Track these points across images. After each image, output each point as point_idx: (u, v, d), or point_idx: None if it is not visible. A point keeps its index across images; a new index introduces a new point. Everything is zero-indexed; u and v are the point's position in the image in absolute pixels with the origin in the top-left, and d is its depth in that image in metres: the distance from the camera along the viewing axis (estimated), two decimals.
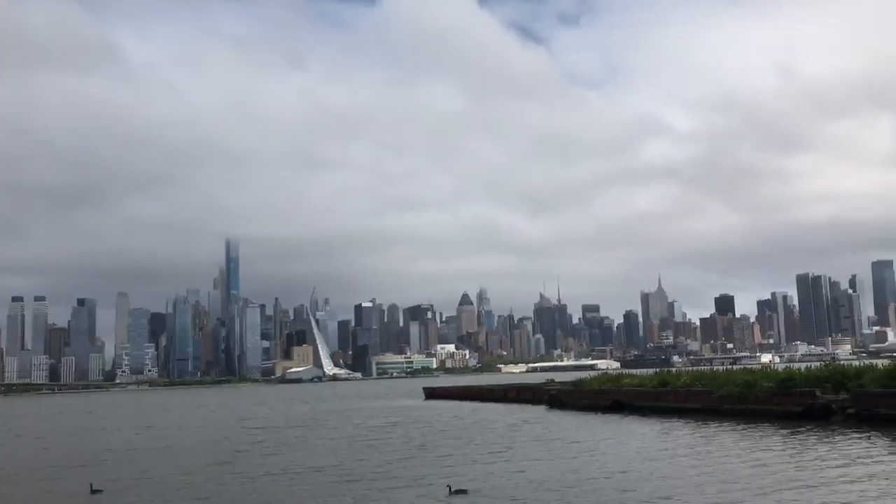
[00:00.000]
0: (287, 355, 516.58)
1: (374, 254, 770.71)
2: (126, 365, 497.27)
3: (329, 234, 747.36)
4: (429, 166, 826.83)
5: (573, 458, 29.56)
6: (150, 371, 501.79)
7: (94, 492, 24.83)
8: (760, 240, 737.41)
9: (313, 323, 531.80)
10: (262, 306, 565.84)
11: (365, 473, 26.78)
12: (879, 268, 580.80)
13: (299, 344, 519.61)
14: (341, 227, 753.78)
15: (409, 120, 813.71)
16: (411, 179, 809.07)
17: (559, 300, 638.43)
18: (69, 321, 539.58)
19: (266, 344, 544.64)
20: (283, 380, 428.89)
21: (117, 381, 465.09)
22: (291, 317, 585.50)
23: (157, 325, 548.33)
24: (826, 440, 31.09)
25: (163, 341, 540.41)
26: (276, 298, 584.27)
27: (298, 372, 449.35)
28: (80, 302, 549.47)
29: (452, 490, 21.64)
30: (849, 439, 30.95)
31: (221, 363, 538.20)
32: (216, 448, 40.36)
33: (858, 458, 25.82)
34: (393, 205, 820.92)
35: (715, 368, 67.12)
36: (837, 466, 23.92)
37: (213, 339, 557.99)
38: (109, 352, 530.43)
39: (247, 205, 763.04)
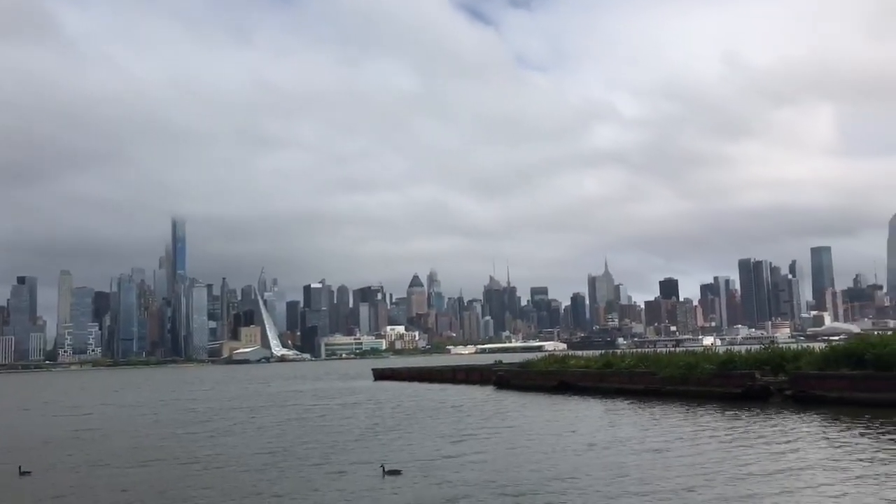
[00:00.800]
0: (234, 336, 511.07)
1: (323, 234, 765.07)
2: (68, 345, 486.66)
3: (277, 214, 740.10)
4: (379, 147, 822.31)
5: (514, 438, 29.90)
6: (93, 351, 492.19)
7: (22, 474, 24.48)
8: (705, 225, 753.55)
9: (261, 303, 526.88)
10: (210, 286, 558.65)
11: (307, 456, 26.53)
12: (818, 254, 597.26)
13: (247, 324, 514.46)
14: (289, 207, 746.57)
15: (358, 99, 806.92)
16: (361, 160, 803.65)
17: (508, 283, 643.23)
18: (8, 300, 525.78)
19: (213, 324, 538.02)
20: (231, 360, 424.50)
21: (59, 361, 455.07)
22: (239, 297, 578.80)
23: (101, 304, 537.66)
24: (763, 421, 32.06)
25: (107, 321, 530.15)
26: (224, 278, 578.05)
27: (246, 353, 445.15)
28: (21, 280, 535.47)
29: (386, 471, 21.67)
30: (785, 419, 31.97)
31: (167, 343, 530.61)
32: (156, 430, 39.89)
33: (793, 437, 26.74)
34: (342, 185, 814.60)
35: (658, 351, 68.62)
36: (772, 445, 24.73)
37: (159, 319, 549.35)
38: (51, 331, 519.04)
39: (193, 183, 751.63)
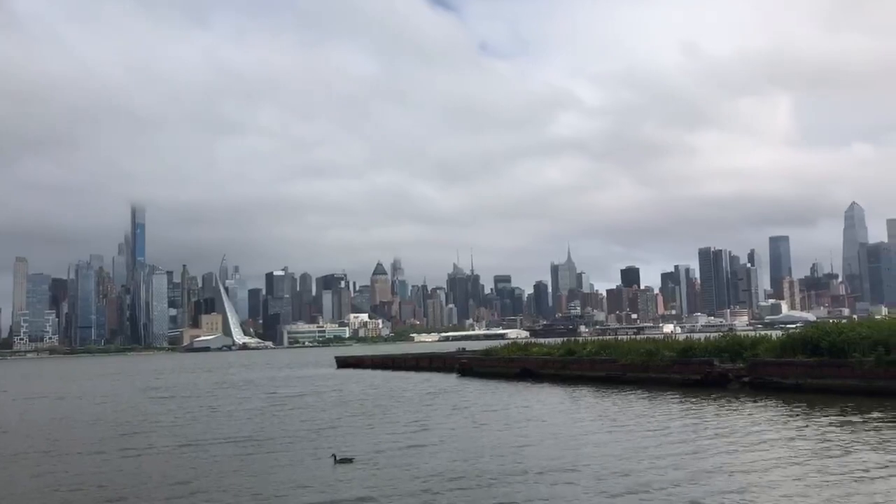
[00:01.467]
0: (195, 323, 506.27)
1: (284, 221, 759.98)
2: (25, 332, 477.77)
3: (238, 200, 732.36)
4: (340, 133, 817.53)
5: (472, 426, 29.93)
6: (50, 339, 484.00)
7: None
8: (665, 214, 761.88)
9: (222, 291, 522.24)
10: (170, 273, 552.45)
11: (265, 445, 26.08)
12: (776, 243, 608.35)
13: (208, 312, 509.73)
14: (250, 193, 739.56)
15: (318, 84, 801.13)
16: (322, 146, 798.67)
17: (472, 271, 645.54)
18: None
19: (173, 312, 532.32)
20: (191, 348, 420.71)
21: (15, 349, 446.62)
22: (200, 284, 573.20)
23: (59, 291, 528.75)
24: (720, 406, 32.54)
25: (64, 308, 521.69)
26: (184, 265, 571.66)
27: (207, 340, 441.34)
28: None
29: (337, 459, 21.53)
30: (742, 405, 32.50)
31: (126, 331, 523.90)
32: (113, 419, 39.29)
33: (748, 421, 27.19)
34: (303, 171, 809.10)
35: (620, 338, 69.23)
36: (727, 429, 25.12)
37: (118, 307, 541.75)
38: (6, 319, 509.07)
39: (151, 169, 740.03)
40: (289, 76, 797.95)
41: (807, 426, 25.50)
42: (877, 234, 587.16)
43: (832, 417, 27.18)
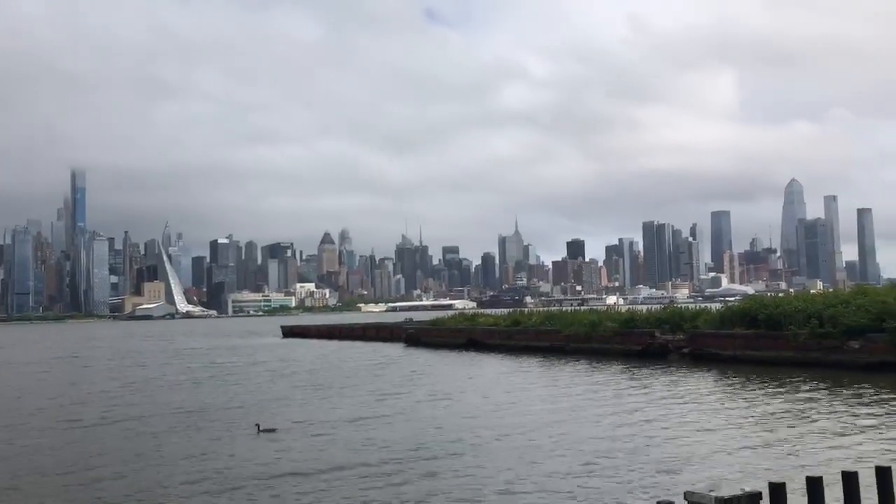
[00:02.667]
0: (137, 291, 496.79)
1: (228, 188, 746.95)
2: None
3: (179, 166, 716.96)
4: (284, 98, 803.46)
5: (408, 393, 30.22)
6: None
7: None
8: (611, 187, 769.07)
9: (165, 258, 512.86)
10: (111, 239, 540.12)
11: (193, 419, 25.02)
12: (717, 217, 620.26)
13: (150, 280, 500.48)
14: (192, 159, 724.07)
15: (261, 47, 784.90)
16: (265, 111, 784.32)
17: (421, 241, 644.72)
18: None
19: (115, 279, 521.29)
20: (133, 316, 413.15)
21: None
22: (142, 251, 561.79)
23: None
24: (658, 376, 33.35)
25: (0, 274, 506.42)
26: (126, 232, 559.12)
27: (149, 308, 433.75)
28: None
29: (261, 429, 21.55)
30: (680, 374, 33.35)
31: (66, 298, 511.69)
32: (40, 390, 38.58)
33: (683, 390, 27.96)
34: (246, 137, 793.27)
35: (564, 309, 70.17)
36: (664, 397, 25.80)
37: (57, 273, 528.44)
38: None
39: (90, 131, 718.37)
40: (231, 39, 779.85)
41: (737, 394, 26.33)
42: (815, 210, 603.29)
43: (764, 386, 28.07)
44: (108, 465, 17.86)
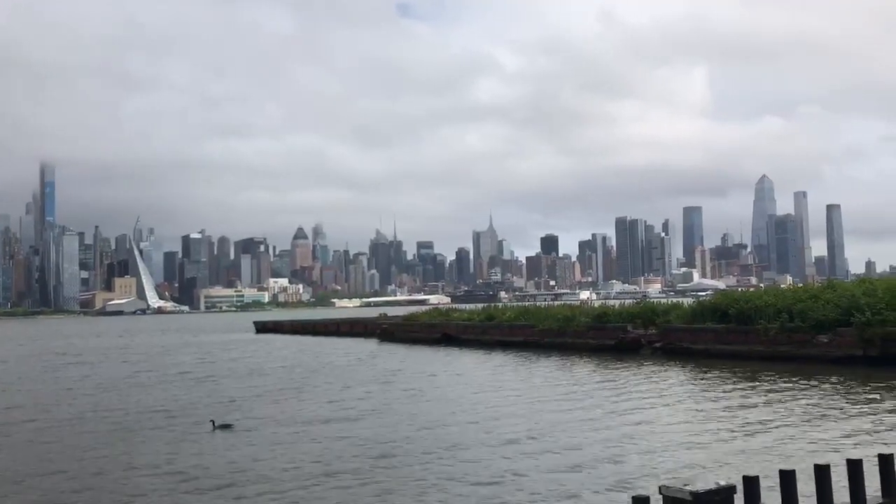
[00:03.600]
0: (108, 286, 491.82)
1: (199, 182, 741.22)
2: None
3: (149, 159, 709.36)
4: (255, 91, 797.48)
5: (375, 389, 30.08)
6: None
7: None
8: (584, 182, 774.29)
9: (136, 253, 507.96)
10: (81, 234, 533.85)
11: (155, 416, 24.27)
12: (689, 213, 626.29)
13: (121, 275, 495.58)
14: (162, 152, 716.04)
15: (231, 39, 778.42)
16: (235, 104, 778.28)
17: (395, 236, 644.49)
18: None
19: (85, 274, 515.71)
20: (104, 312, 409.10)
21: None
22: (113, 246, 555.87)
23: None
24: (631, 369, 33.58)
25: None
26: (97, 227, 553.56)
27: (120, 304, 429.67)
28: None
29: (216, 425, 20.97)
30: (651, 368, 33.61)
31: (35, 294, 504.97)
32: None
33: (655, 383, 28.18)
34: (216, 130, 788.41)
35: (538, 304, 70.46)
36: (636, 390, 25.99)
37: (26, 269, 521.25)
38: None
39: (58, 124, 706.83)
40: (200, 31, 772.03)
41: (709, 388, 26.60)
42: (785, 206, 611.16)
43: (735, 381, 28.37)
44: (31, 473, 16.59)
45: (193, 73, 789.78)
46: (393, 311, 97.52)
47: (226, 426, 21.05)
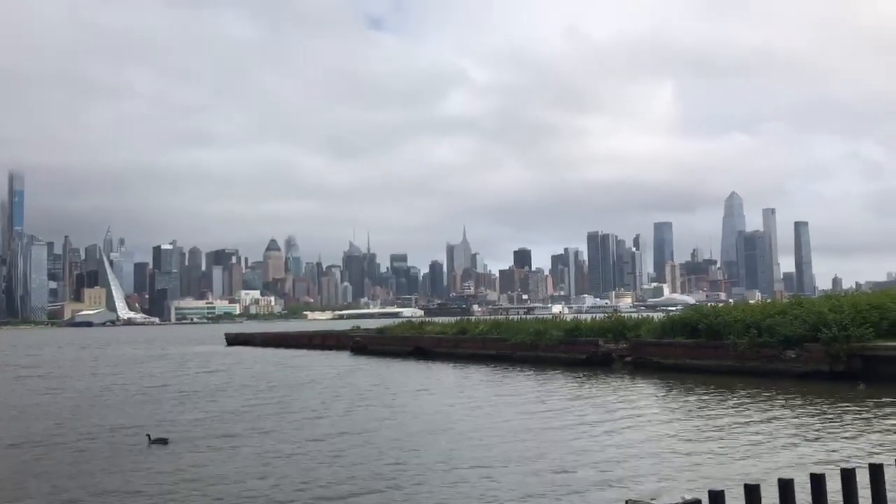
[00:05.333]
0: (77, 297, 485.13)
1: (168, 191, 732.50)
2: None
3: (115, 168, 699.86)
4: (221, 99, 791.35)
5: (344, 404, 29.96)
6: None
7: None
8: (555, 196, 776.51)
9: (107, 264, 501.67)
10: (51, 244, 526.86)
11: (101, 433, 23.45)
12: (660, 228, 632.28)
13: (91, 286, 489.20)
14: (127, 161, 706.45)
15: (197, 46, 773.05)
16: (202, 112, 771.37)
17: (368, 249, 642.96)
18: None
19: (53, 285, 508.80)
20: (73, 323, 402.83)
21: None
22: (83, 256, 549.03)
23: None
24: (602, 383, 33.78)
25: None
26: (66, 236, 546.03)
27: (90, 315, 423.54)
28: None
29: (152, 439, 20.62)
30: (622, 382, 33.84)
31: (2, 304, 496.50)
32: None
33: (625, 397, 28.39)
34: (183, 139, 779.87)
35: (511, 318, 70.62)
36: (606, 403, 26.15)
37: None
38: None
39: (24, 131, 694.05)
40: (163, 37, 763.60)
41: (678, 402, 26.85)
42: (753, 221, 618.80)
43: (704, 395, 28.65)
44: None
45: (158, 80, 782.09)
46: (366, 324, 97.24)
47: (161, 440, 20.68)
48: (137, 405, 31.13)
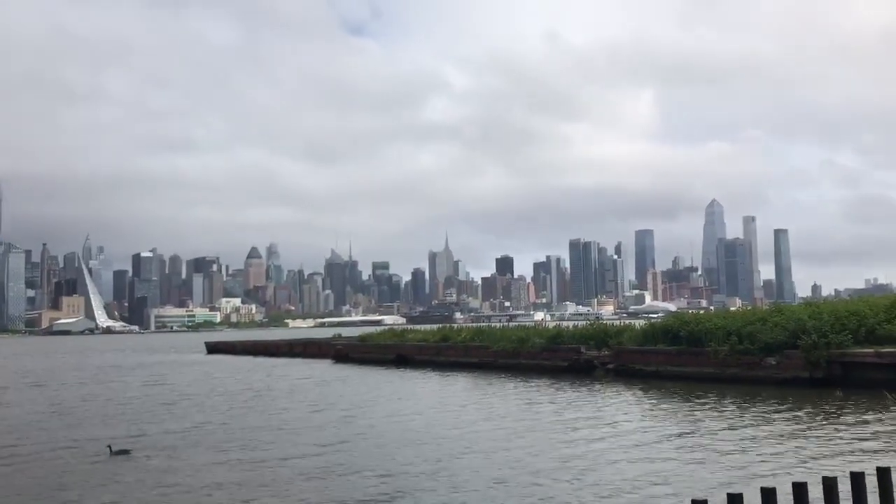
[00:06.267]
0: (55, 305, 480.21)
1: (147, 198, 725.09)
2: None
3: (92, 174, 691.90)
4: (198, 104, 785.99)
5: (312, 410, 29.83)
6: None
7: None
8: (537, 203, 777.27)
9: (85, 272, 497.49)
10: (28, 252, 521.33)
11: (62, 444, 22.93)
12: (641, 236, 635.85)
13: (69, 294, 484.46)
14: (104, 167, 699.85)
15: (173, 50, 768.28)
16: (178, 117, 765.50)
17: (350, 256, 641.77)
18: None
19: (31, 293, 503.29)
20: (51, 331, 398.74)
21: None
22: (61, 264, 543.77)
23: None
24: (583, 391, 33.78)
25: None
26: (44, 244, 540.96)
27: (68, 323, 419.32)
28: None
29: (113, 451, 20.32)
30: (604, 389, 33.85)
31: None
32: None
33: (606, 404, 28.39)
34: (160, 144, 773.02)
35: (493, 325, 70.56)
36: (587, 410, 26.14)
37: None
38: None
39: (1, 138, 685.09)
40: (139, 42, 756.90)
41: (660, 409, 26.86)
42: (734, 229, 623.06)
43: (685, 402, 28.70)
44: None
45: (134, 85, 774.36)
46: (347, 332, 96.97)
47: (123, 452, 20.42)
48: (106, 416, 30.47)
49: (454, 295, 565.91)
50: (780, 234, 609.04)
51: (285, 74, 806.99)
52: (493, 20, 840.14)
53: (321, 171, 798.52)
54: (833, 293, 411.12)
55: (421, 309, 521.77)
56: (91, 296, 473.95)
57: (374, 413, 28.72)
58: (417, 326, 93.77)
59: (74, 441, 23.51)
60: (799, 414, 24.57)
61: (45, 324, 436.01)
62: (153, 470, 18.40)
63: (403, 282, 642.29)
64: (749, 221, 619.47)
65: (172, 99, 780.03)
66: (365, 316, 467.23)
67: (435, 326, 74.32)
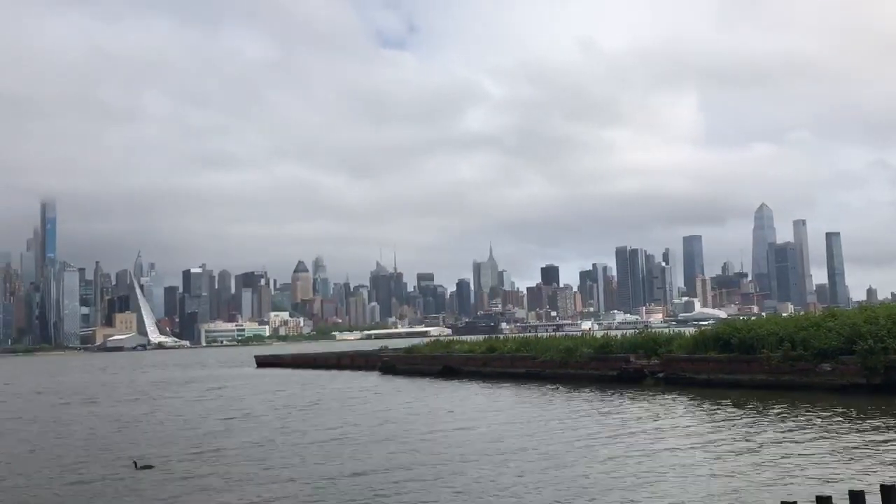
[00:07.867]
0: (109, 322, 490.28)
1: (193, 215, 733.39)
2: None
3: (136, 192, 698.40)
4: (235, 121, 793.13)
5: (367, 424, 29.92)
6: None
7: None
8: (580, 211, 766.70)
9: (137, 288, 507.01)
10: (82, 270, 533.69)
11: (108, 460, 23.22)
12: (689, 242, 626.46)
13: (122, 310, 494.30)
14: (149, 186, 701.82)
15: (209, 67, 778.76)
16: (217, 134, 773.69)
17: (395, 268, 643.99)
18: None
19: (86, 310, 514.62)
20: (105, 348, 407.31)
21: None
22: (114, 282, 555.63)
23: None
24: (635, 401, 33.40)
25: None
26: (97, 262, 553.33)
27: (121, 340, 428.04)
28: None
29: (138, 465, 20.97)
30: (655, 399, 33.43)
31: (35, 330, 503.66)
32: None
33: (659, 413, 28.03)
34: (201, 162, 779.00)
35: (539, 335, 70.20)
36: (641, 421, 25.83)
37: (27, 305, 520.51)
38: None
39: (51, 159, 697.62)
40: (175, 60, 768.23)
41: (712, 419, 26.40)
42: (784, 233, 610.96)
43: (738, 410, 28.20)
44: None
45: (172, 103, 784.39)
46: (394, 344, 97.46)
47: (147, 466, 21.02)
48: (149, 432, 30.85)
49: (499, 305, 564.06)
50: (831, 238, 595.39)
51: (321, 89, 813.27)
52: (527, 29, 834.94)
53: (361, 184, 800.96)
54: (889, 297, 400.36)
55: (466, 320, 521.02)
56: (143, 312, 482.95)
57: (444, 426, 28.67)
58: (463, 337, 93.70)
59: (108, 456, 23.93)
60: (860, 423, 23.92)
61: (98, 340, 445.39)
62: (167, 486, 18.53)
63: (448, 293, 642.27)
64: (799, 225, 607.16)
65: (210, 116, 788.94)
66: (411, 327, 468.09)
67: (481, 337, 74.22)
